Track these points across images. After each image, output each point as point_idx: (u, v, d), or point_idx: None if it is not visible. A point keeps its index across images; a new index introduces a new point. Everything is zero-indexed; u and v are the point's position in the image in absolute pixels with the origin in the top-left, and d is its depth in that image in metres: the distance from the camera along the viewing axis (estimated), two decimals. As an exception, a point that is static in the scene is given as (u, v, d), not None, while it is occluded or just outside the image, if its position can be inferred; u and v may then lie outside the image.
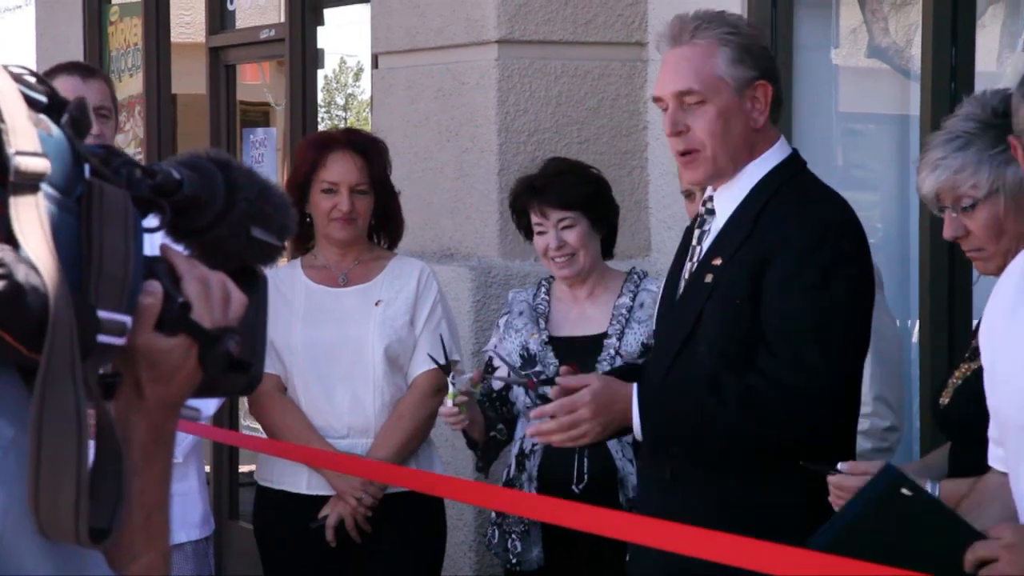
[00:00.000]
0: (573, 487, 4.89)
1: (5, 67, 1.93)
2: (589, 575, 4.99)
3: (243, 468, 8.24)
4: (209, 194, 2.03)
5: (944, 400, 3.68)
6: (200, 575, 5.34)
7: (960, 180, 3.55)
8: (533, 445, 4.97)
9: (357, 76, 12.00)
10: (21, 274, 1.81)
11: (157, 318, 1.95)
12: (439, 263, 5.67)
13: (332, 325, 5.15)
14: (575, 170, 5.13)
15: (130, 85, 9.17)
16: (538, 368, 4.95)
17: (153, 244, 1.97)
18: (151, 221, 1.99)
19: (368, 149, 5.27)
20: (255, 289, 2.10)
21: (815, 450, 3.74)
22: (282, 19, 7.85)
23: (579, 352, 4.98)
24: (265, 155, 7.97)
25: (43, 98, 1.93)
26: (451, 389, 4.83)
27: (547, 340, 5.09)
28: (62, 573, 1.91)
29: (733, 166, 3.93)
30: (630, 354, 4.93)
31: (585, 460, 4.90)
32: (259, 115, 8.89)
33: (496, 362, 5.09)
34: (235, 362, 2.05)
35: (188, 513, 5.25)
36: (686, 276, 4.03)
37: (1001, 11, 5.27)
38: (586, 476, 4.91)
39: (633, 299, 5.08)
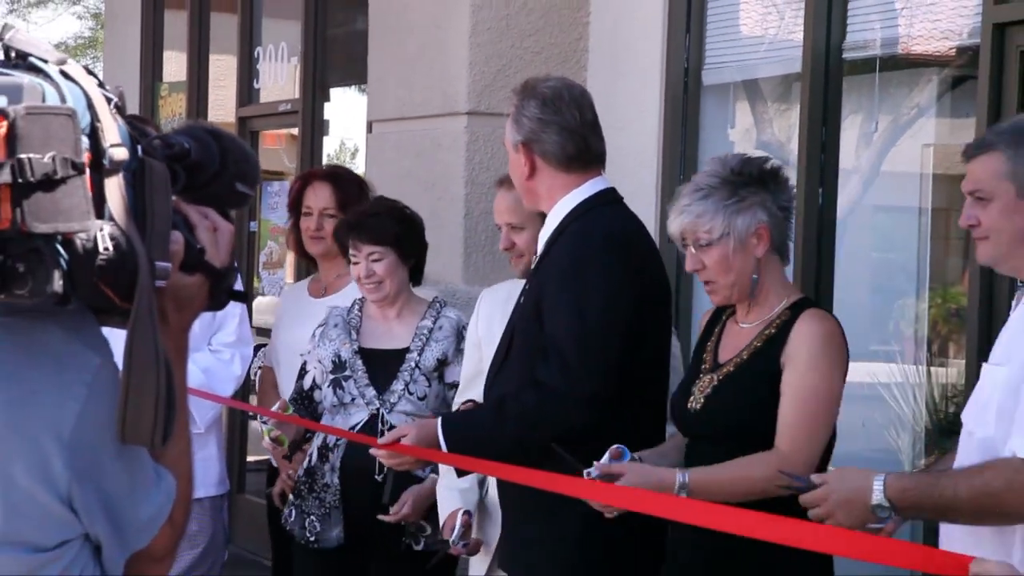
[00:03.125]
0: (376, 476, 4.72)
1: (86, 70, 2.03)
2: (379, 555, 4.82)
3: (251, 458, 8.34)
4: (208, 158, 2.12)
5: (695, 405, 3.65)
6: (215, 524, 5.43)
7: (699, 224, 3.60)
8: (336, 440, 4.80)
9: (354, 155, 12.06)
10: (124, 244, 1.91)
11: (181, 261, 2.07)
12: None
13: (309, 328, 5.10)
14: (390, 211, 4.97)
15: (174, 147, 9.19)
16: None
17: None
18: None
19: (339, 180, 5.40)
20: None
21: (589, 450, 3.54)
22: (297, 95, 7.96)
23: (383, 362, 4.85)
24: (279, 202, 8.08)
25: (109, 93, 2.01)
26: (263, 428, 4.81)
27: (357, 350, 4.89)
28: (129, 466, 2.05)
29: (534, 207, 3.98)
30: (427, 367, 4.80)
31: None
32: (276, 173, 8.98)
33: (308, 366, 4.94)
34: (233, 292, 2.19)
35: (207, 474, 5.30)
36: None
37: (859, 117, 5.39)
38: (384, 466, 4.55)
39: (434, 322, 4.88)
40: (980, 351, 4.35)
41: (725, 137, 5.73)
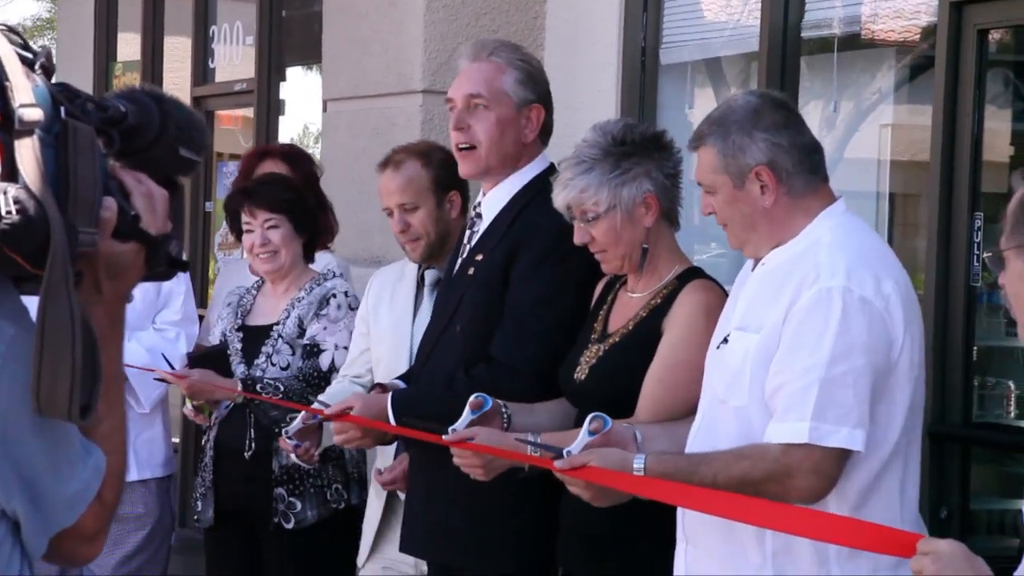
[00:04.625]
0: (245, 454, 4.74)
1: (8, 28, 1.98)
2: (246, 534, 4.82)
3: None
4: (147, 122, 2.06)
5: (580, 376, 3.62)
6: (162, 506, 5.38)
7: (584, 198, 3.55)
8: (216, 417, 4.83)
9: (317, 139, 11.98)
10: (32, 208, 1.85)
11: (114, 228, 2.01)
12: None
13: None
14: (283, 181, 4.98)
15: (128, 127, 9.14)
16: None
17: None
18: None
19: (292, 159, 5.35)
20: (176, 197, 2.14)
21: None
22: (252, 75, 7.89)
23: (254, 337, 4.83)
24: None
25: (28, 54, 1.96)
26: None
27: (238, 328, 4.89)
28: (51, 440, 1.98)
29: (501, 168, 3.89)
30: (288, 335, 4.78)
31: (252, 431, 4.74)
32: (232, 155, 8.91)
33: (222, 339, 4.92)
34: (172, 260, 2.14)
35: (153, 455, 5.29)
36: (455, 270, 3.98)
37: (818, 97, 5.35)
38: (254, 445, 4.73)
39: (309, 292, 4.83)
40: (936, 335, 4.34)
41: (684, 117, 5.69)
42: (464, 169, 3.98)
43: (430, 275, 4.52)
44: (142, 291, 5.05)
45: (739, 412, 3.10)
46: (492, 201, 3.93)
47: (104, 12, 9.44)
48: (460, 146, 3.92)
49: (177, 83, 8.80)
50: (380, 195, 4.48)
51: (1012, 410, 4.62)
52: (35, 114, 1.88)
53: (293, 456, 4.33)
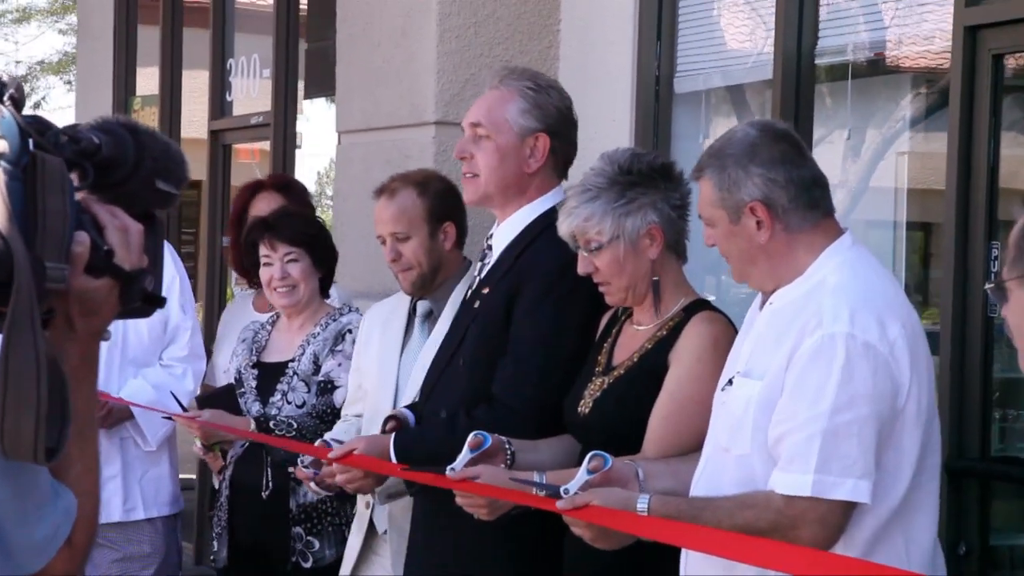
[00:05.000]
0: (262, 493, 4.67)
1: None
2: (265, 574, 4.74)
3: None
4: (122, 154, 2.00)
5: (583, 409, 3.56)
6: (169, 545, 5.33)
7: (588, 227, 3.51)
8: (231, 456, 4.76)
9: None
10: None
11: (87, 263, 1.95)
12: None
13: None
14: (303, 215, 4.96)
15: (147, 160, 9.17)
16: None
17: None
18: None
19: (289, 190, 5.34)
20: (154, 231, 2.08)
21: None
22: (269, 108, 7.88)
23: (269, 374, 4.76)
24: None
25: (5, 87, 1.88)
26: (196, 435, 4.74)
27: (253, 364, 4.83)
28: (17, 482, 1.91)
29: (503, 197, 3.85)
30: (304, 371, 4.72)
31: (269, 469, 4.67)
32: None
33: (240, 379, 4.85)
34: (148, 296, 2.07)
35: (160, 493, 5.25)
36: (464, 302, 3.94)
37: (832, 123, 5.30)
38: (271, 484, 4.67)
39: (325, 328, 4.77)
40: (954, 367, 4.26)
41: (698, 146, 5.63)
42: (465, 196, 3.98)
43: (422, 306, 4.48)
44: (148, 326, 5.11)
45: (741, 460, 3.04)
46: (503, 233, 3.89)
47: (123, 47, 9.46)
48: (464, 174, 3.90)
49: (197, 117, 8.81)
50: (375, 223, 4.45)
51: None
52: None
53: (312, 485, 4.27)
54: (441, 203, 4.43)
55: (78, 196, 1.96)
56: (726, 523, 2.91)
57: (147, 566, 5.20)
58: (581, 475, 3.16)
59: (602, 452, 3.22)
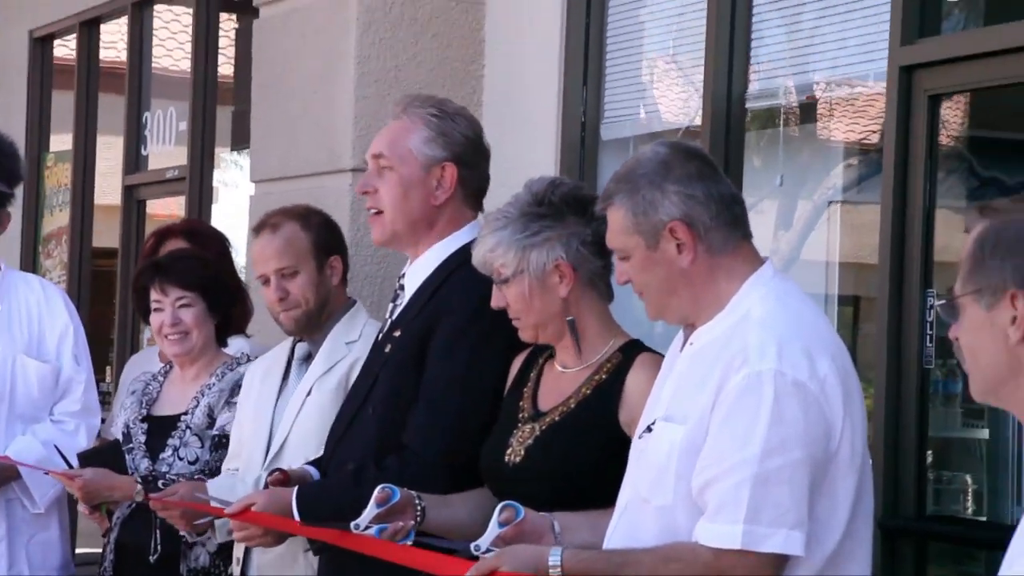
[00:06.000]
0: (150, 557, 4.37)
1: None
2: None
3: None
4: None
5: (513, 459, 3.36)
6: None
7: (493, 257, 3.39)
8: (117, 516, 4.49)
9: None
10: None
11: None
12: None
13: None
14: (197, 256, 4.72)
15: (60, 218, 9.06)
16: None
17: None
18: None
19: (197, 235, 5.11)
20: None
21: None
22: (185, 162, 7.73)
23: (160, 429, 4.51)
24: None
25: None
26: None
27: (142, 418, 4.56)
28: None
29: (411, 233, 3.69)
30: (197, 425, 4.47)
31: (158, 533, 4.36)
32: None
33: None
34: None
35: (48, 558, 4.99)
36: (374, 346, 3.78)
37: (763, 169, 5.17)
38: (159, 548, 4.36)
39: (221, 379, 4.53)
40: (888, 420, 4.10)
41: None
42: (373, 235, 3.80)
43: (300, 349, 4.30)
44: (39, 378, 4.85)
45: (662, 512, 2.88)
46: (415, 272, 3.72)
47: (37, 103, 9.41)
48: (369, 210, 3.73)
49: (111, 171, 8.66)
50: (254, 263, 4.27)
51: (970, 504, 4.40)
52: None
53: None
54: (326, 236, 4.31)
55: None
56: None
57: (35, 635, 4.91)
58: (492, 528, 3.00)
59: (513, 503, 3.05)
